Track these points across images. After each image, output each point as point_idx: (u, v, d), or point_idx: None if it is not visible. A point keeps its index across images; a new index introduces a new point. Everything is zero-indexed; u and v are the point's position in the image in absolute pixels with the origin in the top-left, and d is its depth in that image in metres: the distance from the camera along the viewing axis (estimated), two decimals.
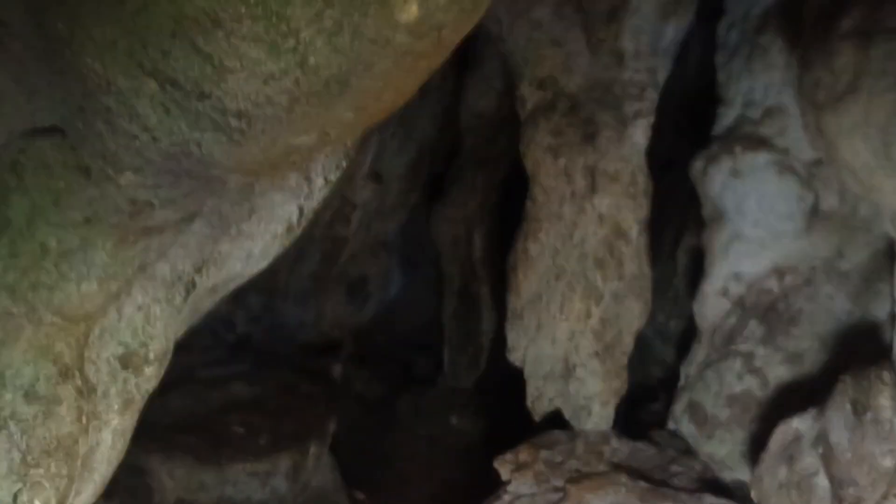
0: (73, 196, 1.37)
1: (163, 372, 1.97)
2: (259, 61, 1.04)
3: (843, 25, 2.33)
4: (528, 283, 3.69)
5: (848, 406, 2.49)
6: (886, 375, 2.43)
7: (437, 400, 5.96)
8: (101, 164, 1.30)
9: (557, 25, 3.46)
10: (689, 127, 5.82)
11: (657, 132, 3.72)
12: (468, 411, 5.88)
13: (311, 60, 1.04)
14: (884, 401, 2.38)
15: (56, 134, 1.32)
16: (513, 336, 3.80)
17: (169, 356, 1.97)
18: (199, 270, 1.94)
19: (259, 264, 2.14)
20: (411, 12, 1.04)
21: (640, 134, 3.51)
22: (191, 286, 1.94)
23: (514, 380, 4.04)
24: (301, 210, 2.00)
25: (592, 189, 3.54)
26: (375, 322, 6.56)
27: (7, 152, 1.34)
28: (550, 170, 3.59)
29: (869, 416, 2.40)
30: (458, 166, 5.95)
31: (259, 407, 4.34)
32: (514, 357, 3.83)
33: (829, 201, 3.46)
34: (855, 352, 3.06)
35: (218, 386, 4.45)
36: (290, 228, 2.07)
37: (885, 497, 2.28)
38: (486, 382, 6.04)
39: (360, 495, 4.99)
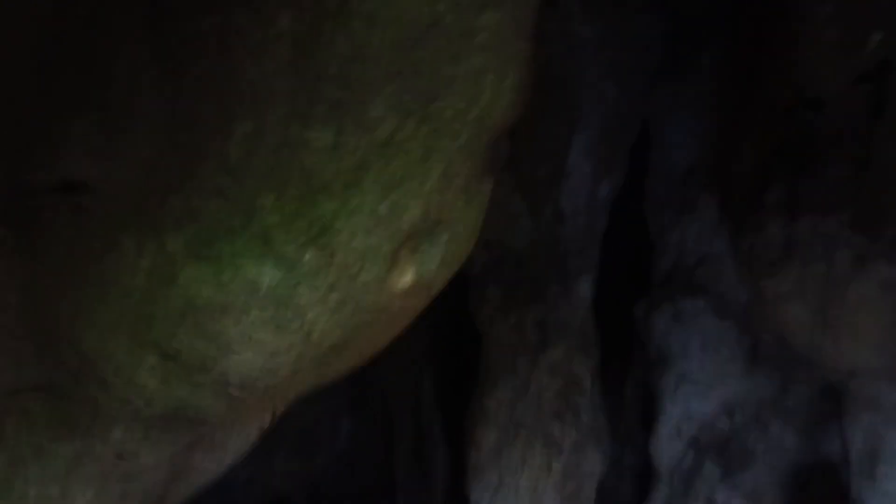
0: (57, 449, 1.35)
1: None
2: (264, 341, 1.08)
3: (769, 199, 2.53)
4: (487, 439, 3.69)
5: None
6: None
7: None
8: (88, 422, 1.29)
9: (499, 191, 3.62)
10: (622, 263, 6.06)
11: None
12: None
13: (315, 335, 1.09)
14: None
15: (41, 390, 1.31)
16: (476, 492, 3.75)
17: None
18: (169, 484, 1.89)
19: (231, 464, 2.10)
20: (406, 281, 1.10)
21: (585, 288, 3.64)
22: (160, 500, 1.89)
23: None
24: (273, 415, 1.99)
25: (544, 343, 3.62)
26: (328, 473, 6.38)
27: None
28: (502, 326, 3.66)
29: None
30: None
31: None
32: None
33: (768, 343, 3.62)
34: (813, 489, 3.14)
35: None
36: (261, 430, 2.05)
37: None
38: None
39: None
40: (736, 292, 3.73)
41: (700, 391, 3.84)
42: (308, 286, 1.05)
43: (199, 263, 1.04)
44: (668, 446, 3.91)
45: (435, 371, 5.87)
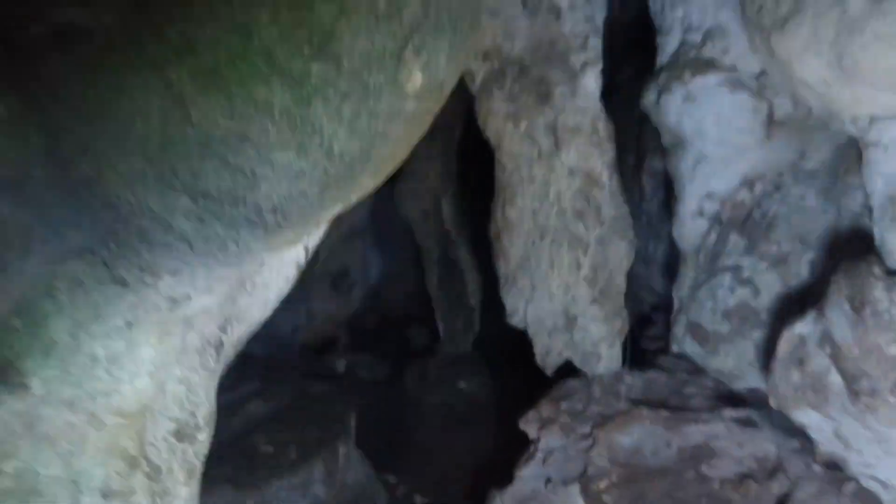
0: (113, 306, 1.40)
1: (212, 432, 2.02)
2: (288, 164, 1.08)
3: None
4: (514, 248, 3.78)
5: (846, 304, 2.63)
6: (877, 269, 2.58)
7: (440, 368, 6.09)
8: (137, 274, 1.33)
9: None
10: (627, 50, 5.91)
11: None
12: (473, 374, 6.03)
13: (336, 149, 1.09)
14: (878, 293, 2.53)
15: (86, 254, 1.34)
16: (510, 300, 3.89)
17: (214, 416, 2.02)
18: (223, 330, 1.98)
19: (275, 306, 2.19)
20: (417, 81, 1.08)
21: (592, 83, 3.57)
22: (219, 346, 1.99)
23: (510, 335, 4.16)
24: (307, 249, 2.04)
25: (557, 146, 3.61)
26: (364, 308, 6.64)
27: (41, 280, 1.35)
28: (513, 136, 3.64)
29: (868, 310, 2.55)
30: None
31: (280, 421, 4.41)
32: (516, 320, 3.93)
33: (784, 108, 3.57)
34: (836, 246, 3.22)
35: (235, 410, 4.50)
36: (298, 267, 2.11)
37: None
38: (482, 344, 6.19)
39: (392, 479, 5.12)
40: (747, 63, 3.64)
41: (719, 168, 3.85)
42: (321, 99, 1.03)
43: (208, 94, 1.02)
44: (691, 227, 3.99)
45: (454, 194, 5.94)
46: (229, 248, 1.25)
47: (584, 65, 3.54)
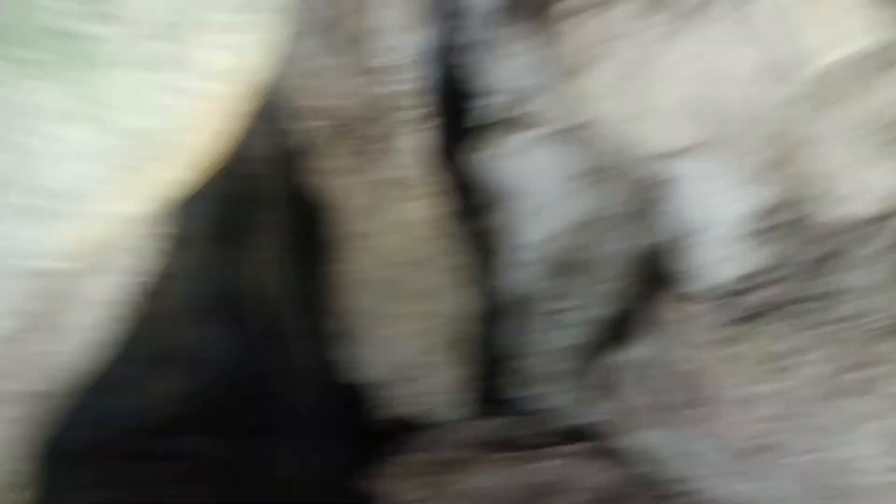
0: None
1: None
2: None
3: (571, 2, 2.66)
4: (354, 303, 3.81)
5: (653, 327, 2.87)
6: (676, 293, 2.85)
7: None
8: None
9: (321, 51, 3.60)
10: (448, 117, 6.16)
11: None
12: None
13: None
14: (678, 314, 2.79)
15: None
16: (349, 356, 3.90)
17: None
18: None
19: None
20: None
21: (424, 139, 3.74)
22: None
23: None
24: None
25: (389, 200, 3.73)
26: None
27: None
28: (343, 192, 3.72)
29: (671, 330, 2.80)
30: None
31: None
32: (357, 376, 3.94)
33: (591, 160, 3.89)
34: (647, 280, 3.50)
35: None
36: None
37: (696, 395, 2.66)
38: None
39: None
40: (555, 117, 3.95)
41: (536, 220, 4.10)
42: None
43: None
44: (513, 277, 4.19)
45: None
46: None
47: (416, 121, 3.71)
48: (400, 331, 3.76)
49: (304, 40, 3.66)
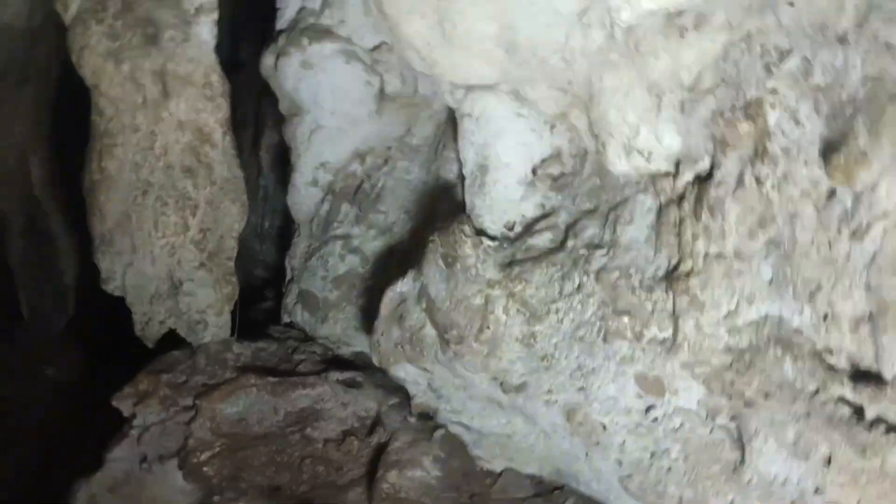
0: None
1: None
2: None
3: None
4: (111, 204, 3.39)
5: (440, 261, 2.82)
6: (467, 228, 2.81)
7: (22, 354, 5.30)
8: None
9: None
10: (248, 28, 5.77)
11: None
12: (65, 359, 5.35)
13: None
14: (468, 249, 2.75)
15: None
16: (106, 264, 3.49)
17: None
18: None
19: None
20: None
21: (206, 31, 3.36)
22: None
23: (114, 311, 3.76)
24: None
25: (166, 94, 3.33)
26: None
27: None
28: (114, 78, 3.26)
29: (458, 265, 2.76)
30: None
31: None
32: (112, 286, 3.54)
33: (394, 84, 3.75)
34: (435, 214, 3.45)
35: None
36: None
37: (480, 330, 2.67)
38: (80, 322, 5.52)
39: None
40: (362, 36, 3.75)
41: (333, 139, 3.91)
42: None
43: None
44: (305, 195, 4.00)
45: (46, 151, 5.21)
46: None
47: (199, 10, 3.32)
48: (161, 242, 3.41)
49: None
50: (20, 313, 5.47)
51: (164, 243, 3.44)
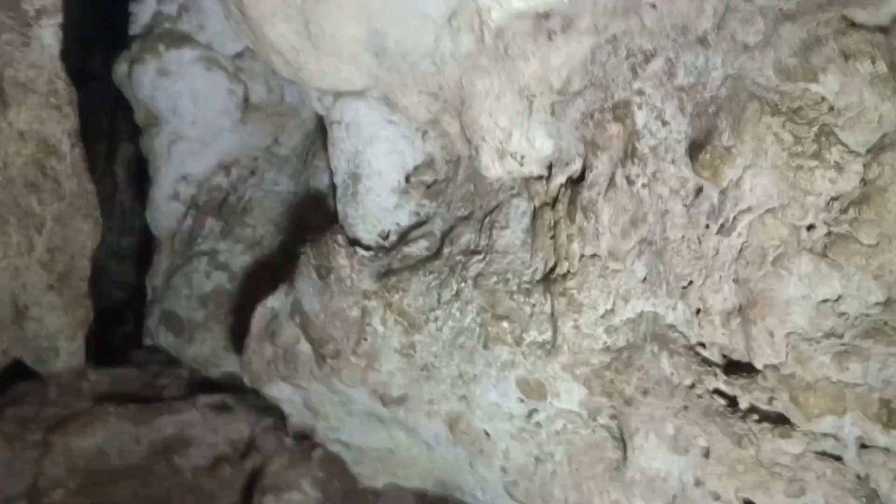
0: None
1: None
2: None
3: None
4: None
5: (314, 273, 2.71)
6: (340, 238, 2.71)
7: None
8: None
9: None
10: (98, 37, 5.43)
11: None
12: None
13: None
14: (342, 260, 2.65)
15: None
16: None
17: None
18: None
19: None
20: None
21: (49, 35, 3.10)
22: None
23: None
24: None
25: (4, 102, 3.04)
26: None
27: None
28: None
29: (332, 277, 2.66)
30: None
31: None
32: None
33: (259, 93, 3.62)
34: (306, 226, 3.34)
35: None
36: None
37: (357, 342, 2.58)
38: None
39: None
40: (223, 43, 3.60)
41: (195, 150, 3.72)
42: None
43: None
44: (166, 210, 3.77)
45: None
46: None
47: (40, 13, 3.06)
48: (2, 264, 3.10)
49: None
50: None
51: (6, 265, 3.13)
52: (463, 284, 2.47)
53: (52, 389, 3.23)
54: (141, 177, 4.43)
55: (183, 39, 3.53)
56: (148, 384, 3.44)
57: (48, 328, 3.27)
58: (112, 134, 5.00)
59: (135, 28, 3.67)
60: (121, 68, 3.64)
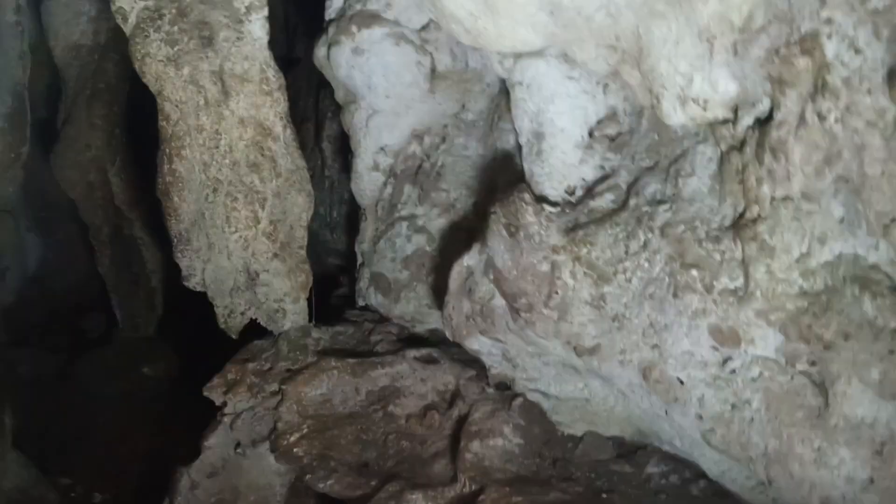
0: None
1: None
2: None
3: None
4: (185, 204, 3.52)
5: (503, 231, 2.83)
6: (527, 196, 2.80)
7: (120, 356, 5.58)
8: None
9: None
10: (300, 23, 5.87)
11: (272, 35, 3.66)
12: (158, 358, 5.61)
13: None
14: (529, 217, 2.75)
15: None
16: (185, 262, 3.63)
17: None
18: None
19: None
20: None
21: (258, 28, 3.43)
22: None
23: (200, 310, 3.90)
24: None
25: (226, 93, 3.43)
26: (24, 300, 5.83)
27: None
28: (176, 82, 3.38)
29: (521, 234, 2.76)
30: (66, 106, 5.34)
31: None
32: (193, 282, 3.68)
33: (444, 62, 3.76)
34: (496, 186, 3.46)
35: None
36: None
37: (549, 296, 2.67)
38: (169, 324, 5.77)
39: (66, 480, 4.60)
40: (409, 17, 3.77)
41: (390, 122, 3.94)
42: None
43: None
44: (368, 180, 4.05)
45: (123, 163, 5.44)
46: None
47: (249, 9, 3.39)
48: (235, 236, 3.53)
49: None
50: (115, 318, 5.75)
51: (238, 237, 3.55)
52: (650, 235, 2.48)
53: (283, 346, 3.64)
54: (345, 151, 4.79)
55: (373, 18, 3.74)
56: (363, 340, 3.77)
57: (276, 292, 3.68)
58: (318, 113, 5.43)
59: (330, 13, 3.94)
60: (320, 51, 3.93)
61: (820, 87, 1.87)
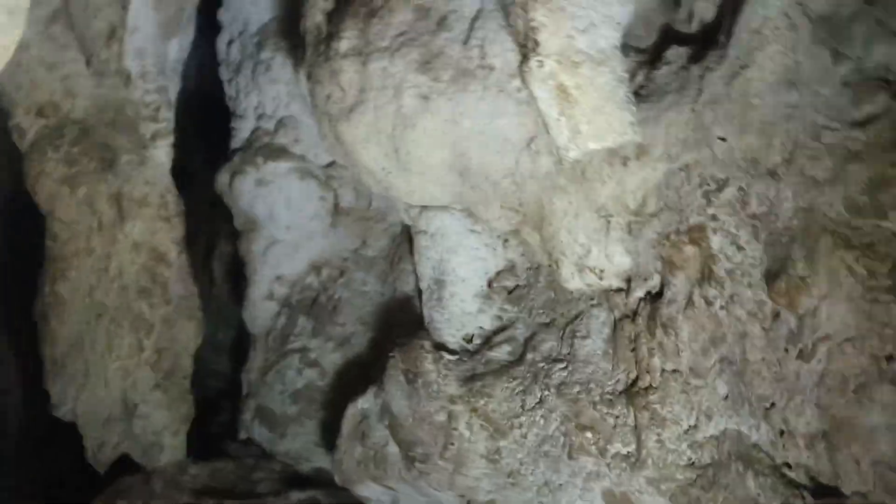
0: None
1: None
2: None
3: (342, 46, 2.59)
4: (64, 328, 3.34)
5: (401, 377, 2.84)
6: (427, 344, 2.84)
7: None
8: None
9: (47, 46, 3.15)
10: (197, 137, 5.83)
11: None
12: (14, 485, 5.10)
13: None
14: (429, 365, 2.78)
15: None
16: (57, 389, 3.40)
17: None
18: None
19: None
20: None
21: (162, 154, 3.41)
22: None
23: (64, 435, 3.63)
24: None
25: (121, 217, 3.34)
26: None
27: None
28: (70, 202, 3.27)
29: (420, 381, 2.78)
30: None
31: None
32: (63, 412, 3.44)
33: (348, 199, 3.84)
34: (394, 326, 3.48)
35: None
36: None
37: (445, 447, 2.67)
38: (23, 447, 5.29)
39: None
40: (316, 154, 3.85)
41: (289, 252, 3.94)
42: None
43: None
44: (261, 309, 3.99)
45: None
46: None
47: (155, 135, 3.38)
48: (115, 364, 3.35)
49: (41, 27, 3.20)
50: None
51: (118, 366, 3.38)
52: (546, 392, 2.55)
53: (157, 483, 3.42)
54: (236, 273, 4.70)
55: (280, 152, 3.80)
56: (243, 478, 3.60)
57: (154, 424, 3.49)
58: (211, 231, 5.33)
59: (236, 141, 3.97)
60: (223, 178, 3.93)
61: (707, 275, 2.04)
